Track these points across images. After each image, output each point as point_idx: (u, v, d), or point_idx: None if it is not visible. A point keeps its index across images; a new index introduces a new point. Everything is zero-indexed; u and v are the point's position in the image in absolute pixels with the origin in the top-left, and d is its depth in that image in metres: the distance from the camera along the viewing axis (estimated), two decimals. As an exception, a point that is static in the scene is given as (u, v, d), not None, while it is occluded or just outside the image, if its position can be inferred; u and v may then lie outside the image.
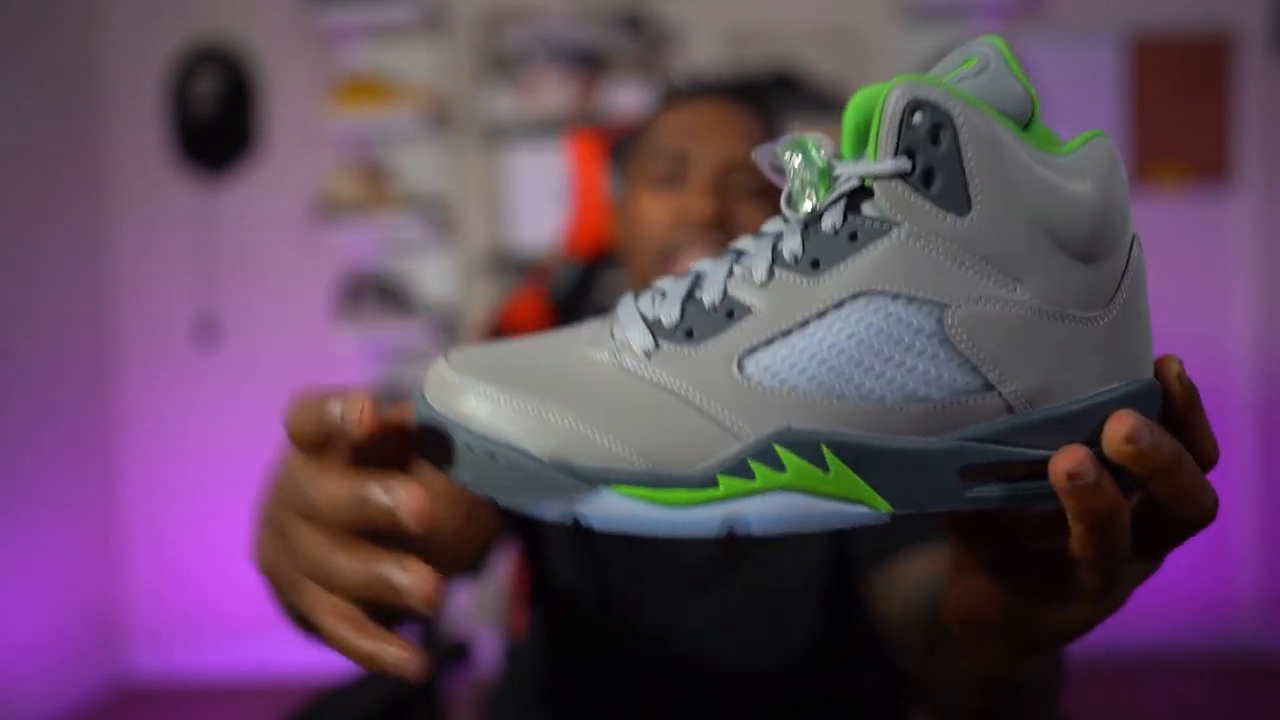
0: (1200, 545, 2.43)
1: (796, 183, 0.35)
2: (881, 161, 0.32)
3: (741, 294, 0.35)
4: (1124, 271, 0.33)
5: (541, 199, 2.42)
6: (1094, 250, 0.33)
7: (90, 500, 2.53)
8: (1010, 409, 0.33)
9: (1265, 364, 2.37)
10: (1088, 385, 0.33)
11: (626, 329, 0.35)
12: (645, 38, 2.41)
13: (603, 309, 1.00)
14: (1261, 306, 2.38)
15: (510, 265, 2.40)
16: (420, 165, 2.52)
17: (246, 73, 2.56)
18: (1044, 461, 0.33)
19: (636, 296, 0.37)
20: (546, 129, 2.41)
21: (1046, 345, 0.33)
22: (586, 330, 0.37)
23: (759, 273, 0.34)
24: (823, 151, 0.35)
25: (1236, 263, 2.40)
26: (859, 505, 0.33)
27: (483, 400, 0.34)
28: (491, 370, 0.35)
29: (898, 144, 0.32)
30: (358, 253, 2.52)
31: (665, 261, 0.80)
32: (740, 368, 0.34)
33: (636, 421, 0.33)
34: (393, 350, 2.51)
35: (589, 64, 2.39)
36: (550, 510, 0.33)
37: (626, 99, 2.35)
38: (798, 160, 0.35)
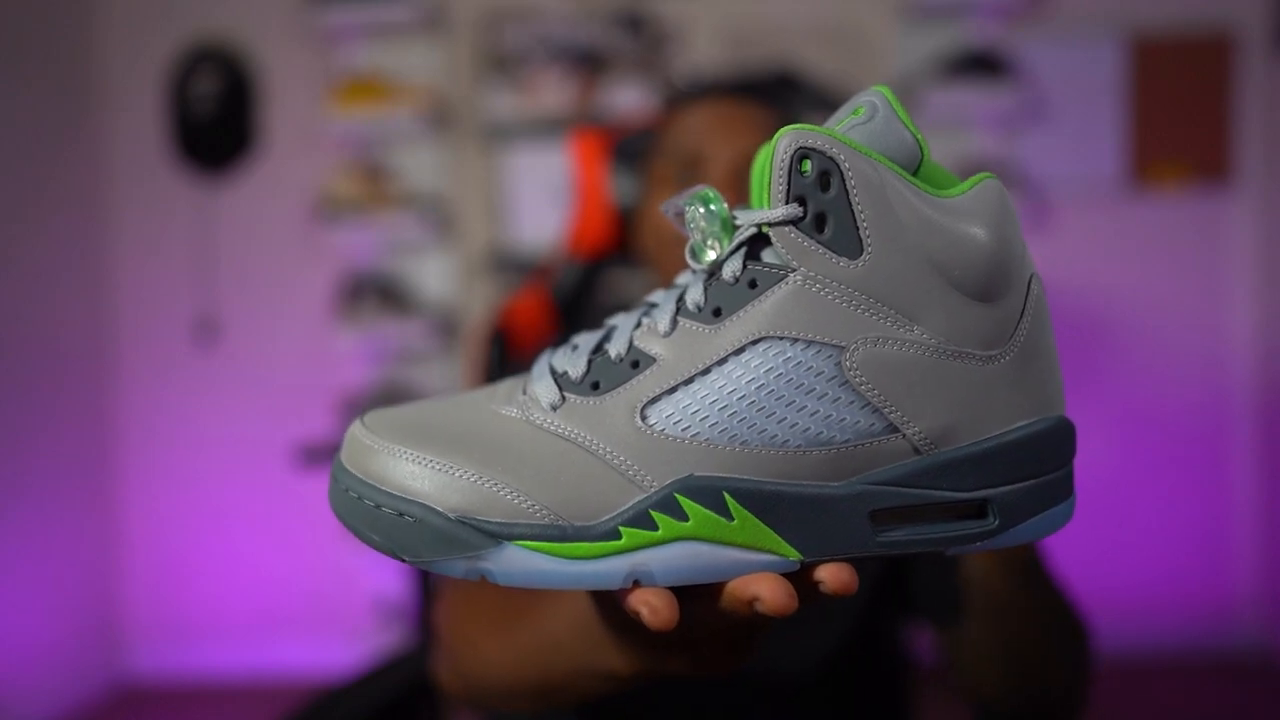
0: (1200, 545, 2.43)
1: (699, 234, 0.35)
2: (774, 209, 0.33)
3: (646, 345, 0.34)
4: (1023, 310, 0.33)
5: (541, 199, 2.42)
6: (989, 289, 0.33)
7: (90, 500, 2.53)
8: (917, 450, 0.33)
9: (1265, 364, 2.37)
10: (994, 423, 0.33)
11: (535, 384, 0.35)
12: (645, 38, 2.41)
13: (605, 309, 1.00)
14: (1261, 306, 2.38)
15: (510, 265, 2.40)
16: (420, 165, 2.52)
17: (246, 73, 2.56)
18: (956, 504, 0.33)
19: (553, 351, 0.38)
20: (546, 129, 2.41)
21: (948, 384, 0.32)
22: (502, 388, 0.37)
23: (663, 324, 0.34)
24: (724, 203, 0.35)
25: (1236, 263, 2.40)
26: (767, 554, 0.32)
27: (392, 459, 0.33)
28: (402, 430, 0.35)
29: (788, 191, 0.32)
30: (358, 253, 2.52)
31: None
32: (643, 417, 0.33)
33: (542, 474, 0.33)
34: (393, 350, 2.51)
35: (589, 64, 2.39)
36: (457, 568, 0.32)
37: (626, 99, 2.35)
38: (700, 212, 0.35)
